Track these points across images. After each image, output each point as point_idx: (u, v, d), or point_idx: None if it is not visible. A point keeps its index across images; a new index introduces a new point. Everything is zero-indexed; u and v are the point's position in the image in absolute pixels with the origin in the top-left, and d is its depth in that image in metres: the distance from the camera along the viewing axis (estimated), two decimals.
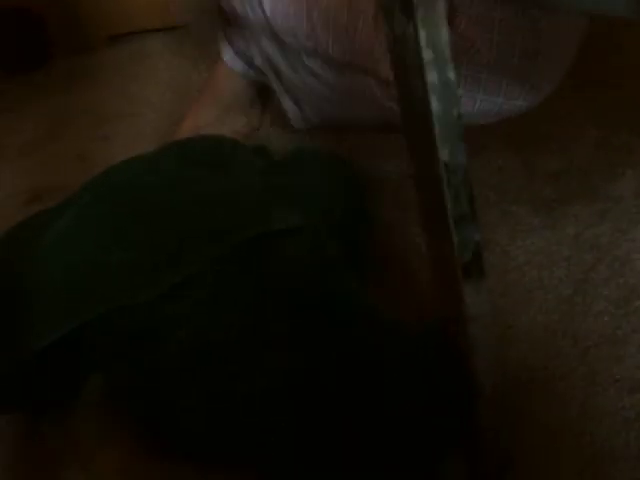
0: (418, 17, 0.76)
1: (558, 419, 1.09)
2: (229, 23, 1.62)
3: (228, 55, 1.66)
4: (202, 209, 1.23)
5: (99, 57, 2.17)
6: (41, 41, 2.16)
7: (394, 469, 1.00)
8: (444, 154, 0.82)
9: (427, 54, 0.77)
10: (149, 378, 1.11)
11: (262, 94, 1.74)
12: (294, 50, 1.43)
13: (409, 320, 1.17)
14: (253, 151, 1.48)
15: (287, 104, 1.58)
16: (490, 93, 1.29)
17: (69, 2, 2.13)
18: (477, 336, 0.95)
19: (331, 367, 1.04)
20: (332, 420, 1.01)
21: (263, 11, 1.41)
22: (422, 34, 0.76)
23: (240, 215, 1.21)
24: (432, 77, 0.78)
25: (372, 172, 1.50)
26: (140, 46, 2.17)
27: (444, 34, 0.77)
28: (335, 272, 1.17)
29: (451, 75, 0.79)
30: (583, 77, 1.52)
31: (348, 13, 1.32)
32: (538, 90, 1.31)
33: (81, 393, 1.23)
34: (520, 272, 1.30)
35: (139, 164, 1.36)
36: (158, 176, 1.31)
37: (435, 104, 0.80)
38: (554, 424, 1.09)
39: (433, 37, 0.77)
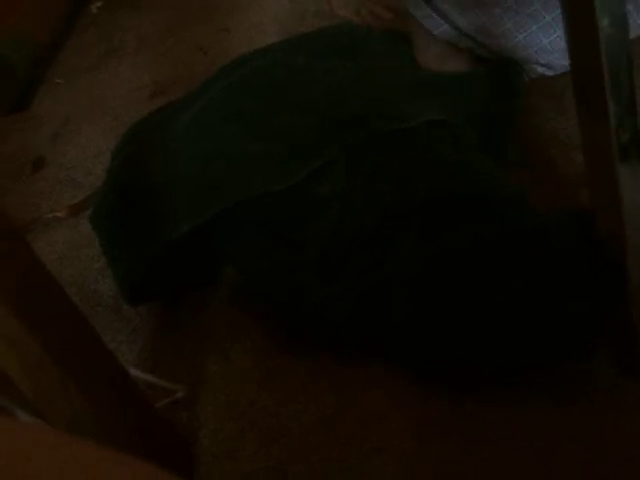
0: None
1: None
2: None
3: None
4: (335, 100, 1.19)
5: None
6: None
7: (540, 356, 0.96)
8: (604, 22, 0.75)
9: None
10: (287, 267, 1.10)
11: None
12: None
13: (550, 206, 1.11)
14: (388, 37, 1.41)
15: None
16: None
17: None
18: (630, 223, 0.89)
19: (467, 255, 1.01)
20: (469, 307, 0.98)
21: None
22: None
23: (376, 105, 1.17)
24: None
25: None
26: None
27: None
28: (473, 163, 1.12)
29: None
30: None
31: None
32: None
33: (215, 286, 1.24)
34: None
35: (269, 56, 1.32)
36: (290, 69, 1.27)
37: None
38: None
39: None
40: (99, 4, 2.13)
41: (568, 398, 0.96)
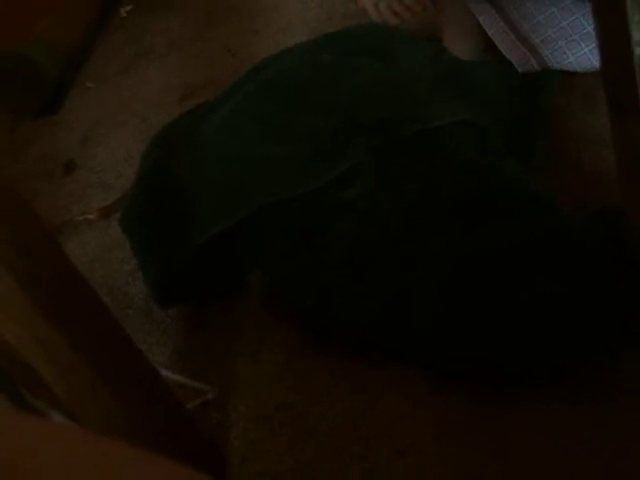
0: None
1: None
2: None
3: None
4: (359, 101, 1.19)
5: None
6: None
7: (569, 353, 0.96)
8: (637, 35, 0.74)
9: None
10: (313, 268, 1.10)
11: None
12: None
13: (581, 205, 1.11)
14: (415, 38, 1.41)
15: None
16: None
17: None
18: None
19: (496, 255, 1.00)
20: (496, 307, 0.98)
21: None
22: None
23: (402, 106, 1.16)
24: None
25: None
26: None
27: None
28: (500, 164, 1.11)
29: None
30: None
31: None
32: None
33: (243, 289, 1.24)
34: None
35: (295, 57, 1.32)
36: (315, 68, 1.27)
37: None
38: None
39: None
40: (129, 8, 2.14)
41: (591, 400, 0.96)
